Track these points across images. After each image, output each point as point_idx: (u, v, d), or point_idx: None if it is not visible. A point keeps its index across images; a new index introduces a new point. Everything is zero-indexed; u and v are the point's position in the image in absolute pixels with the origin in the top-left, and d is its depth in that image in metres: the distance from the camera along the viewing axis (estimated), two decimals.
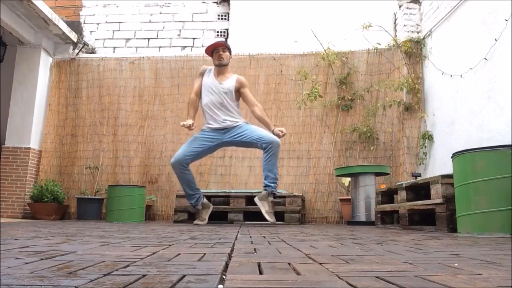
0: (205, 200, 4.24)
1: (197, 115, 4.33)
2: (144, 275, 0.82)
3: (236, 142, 4.17)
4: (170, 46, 6.56)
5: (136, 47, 6.63)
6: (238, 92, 4.21)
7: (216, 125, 4.11)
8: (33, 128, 5.90)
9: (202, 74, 4.29)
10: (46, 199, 5.34)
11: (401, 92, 5.66)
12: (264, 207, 3.98)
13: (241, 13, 6.47)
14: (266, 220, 3.99)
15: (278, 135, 3.98)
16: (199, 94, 4.25)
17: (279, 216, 4.32)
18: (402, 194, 3.81)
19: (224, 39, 4.28)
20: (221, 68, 4.21)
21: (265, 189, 4.00)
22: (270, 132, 4.03)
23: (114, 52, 6.61)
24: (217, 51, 4.18)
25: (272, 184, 3.98)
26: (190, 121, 4.02)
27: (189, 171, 4.13)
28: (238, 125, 4.10)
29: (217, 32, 6.57)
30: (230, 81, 4.18)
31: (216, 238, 2.00)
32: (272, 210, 3.98)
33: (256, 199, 4.06)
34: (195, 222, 4.12)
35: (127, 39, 6.66)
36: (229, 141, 4.15)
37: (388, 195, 4.44)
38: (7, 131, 5.87)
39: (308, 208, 5.67)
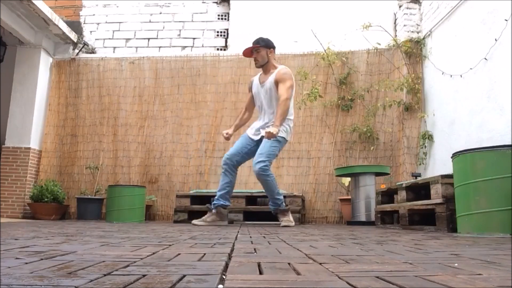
0: (224, 210, 4.02)
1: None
2: (144, 275, 0.82)
3: None
4: (170, 46, 6.57)
5: (136, 47, 6.63)
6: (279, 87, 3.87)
7: (252, 135, 4.01)
8: (33, 128, 5.90)
9: (250, 88, 4.19)
10: (46, 199, 5.34)
11: (401, 92, 5.65)
12: (281, 224, 3.89)
13: (241, 13, 6.47)
14: (267, 220, 3.99)
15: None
16: (249, 108, 4.24)
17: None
18: (402, 194, 3.81)
19: (256, 40, 4.11)
20: (264, 68, 4.04)
21: (272, 211, 4.01)
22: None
23: (114, 52, 6.61)
24: (252, 54, 4.02)
25: (272, 207, 3.96)
26: (224, 132, 4.11)
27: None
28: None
29: (217, 32, 6.57)
30: (270, 78, 3.93)
31: (216, 238, 2.00)
32: (285, 218, 3.89)
33: None
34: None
35: (127, 39, 6.66)
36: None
37: (388, 195, 4.43)
38: (7, 131, 5.87)
39: (308, 208, 5.67)
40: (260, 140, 3.92)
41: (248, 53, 4.02)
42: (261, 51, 3.96)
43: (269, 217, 4.63)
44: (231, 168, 3.94)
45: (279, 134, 3.74)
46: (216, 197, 3.96)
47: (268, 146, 3.80)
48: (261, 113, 4.06)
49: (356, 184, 4.87)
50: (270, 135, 3.64)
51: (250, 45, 4.02)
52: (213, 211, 3.91)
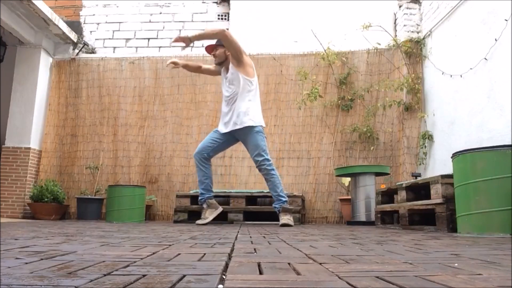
0: (212, 200, 4.16)
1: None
2: (144, 275, 0.82)
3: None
4: (170, 46, 6.56)
5: (136, 47, 6.63)
6: (241, 69, 4.01)
7: (223, 128, 4.08)
8: (33, 128, 5.90)
9: (220, 71, 4.34)
10: (46, 199, 5.34)
11: (401, 92, 5.65)
12: (281, 221, 3.88)
13: (241, 13, 6.47)
14: (267, 220, 4.00)
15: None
16: (204, 69, 4.43)
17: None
18: (402, 194, 3.80)
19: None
20: (224, 66, 4.21)
21: (276, 211, 4.01)
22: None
23: (114, 52, 6.61)
24: (212, 52, 4.21)
25: (277, 206, 3.97)
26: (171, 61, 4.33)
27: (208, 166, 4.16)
28: (242, 127, 3.94)
29: None
30: (230, 69, 4.08)
31: (216, 238, 2.00)
32: (285, 217, 3.89)
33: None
34: (197, 222, 4.09)
35: (127, 39, 6.66)
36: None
37: (388, 195, 4.43)
38: (7, 131, 5.87)
39: (308, 208, 5.67)
40: (229, 134, 4.04)
41: (209, 49, 4.23)
42: (219, 49, 4.14)
43: (269, 217, 4.63)
44: (203, 161, 4.08)
45: (255, 124, 3.92)
46: (200, 193, 4.14)
47: (255, 140, 3.92)
48: (226, 105, 4.10)
49: (356, 184, 4.87)
50: (179, 39, 3.80)
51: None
52: (204, 206, 4.11)
